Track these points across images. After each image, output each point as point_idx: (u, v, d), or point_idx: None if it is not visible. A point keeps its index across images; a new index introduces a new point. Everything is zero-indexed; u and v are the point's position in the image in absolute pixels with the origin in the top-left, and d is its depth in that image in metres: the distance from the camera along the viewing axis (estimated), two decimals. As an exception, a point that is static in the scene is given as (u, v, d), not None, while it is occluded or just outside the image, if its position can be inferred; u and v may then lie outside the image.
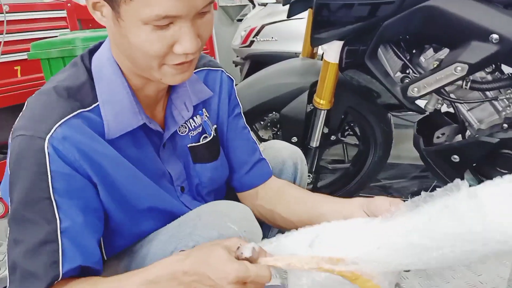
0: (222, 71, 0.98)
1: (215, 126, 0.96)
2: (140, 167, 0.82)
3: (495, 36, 1.13)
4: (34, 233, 0.70)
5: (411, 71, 1.34)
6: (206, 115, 0.94)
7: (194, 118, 0.92)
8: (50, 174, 0.71)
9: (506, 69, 1.28)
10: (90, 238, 0.74)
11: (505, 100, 1.26)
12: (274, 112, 1.86)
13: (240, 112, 1.02)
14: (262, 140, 1.95)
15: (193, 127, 0.91)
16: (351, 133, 1.90)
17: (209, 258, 0.67)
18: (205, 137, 0.93)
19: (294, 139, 1.63)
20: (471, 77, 1.24)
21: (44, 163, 0.71)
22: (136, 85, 0.81)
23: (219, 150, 0.96)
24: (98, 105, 0.78)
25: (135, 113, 0.80)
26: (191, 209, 0.87)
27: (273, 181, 1.03)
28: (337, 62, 1.41)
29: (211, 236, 0.76)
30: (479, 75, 1.27)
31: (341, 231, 0.70)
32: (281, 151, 1.12)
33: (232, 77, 1.01)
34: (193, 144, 0.91)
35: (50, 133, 0.72)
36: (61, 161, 0.72)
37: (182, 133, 0.90)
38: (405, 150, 2.28)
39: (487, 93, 1.27)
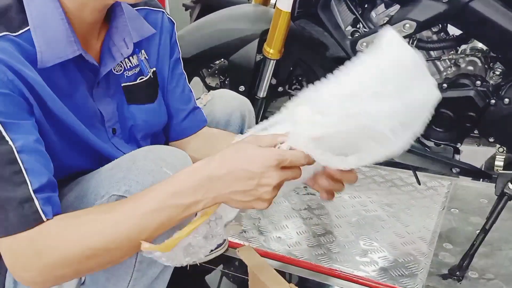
0: (163, 12, 0.94)
1: (153, 69, 0.93)
2: (70, 104, 0.78)
3: (444, -5, 1.15)
4: None
5: (361, 26, 1.35)
6: (145, 56, 0.91)
7: (130, 58, 0.88)
8: None
9: (451, 30, 1.31)
10: (46, 156, 0.71)
11: (447, 60, 1.31)
12: (222, 59, 1.83)
13: (179, 57, 0.99)
14: (209, 87, 1.92)
15: (128, 67, 0.88)
16: (298, 87, 1.90)
17: (238, 152, 0.66)
18: (141, 78, 0.90)
19: (242, 88, 1.61)
20: (417, 36, 1.27)
21: None
22: (70, 9, 0.75)
23: (156, 93, 0.93)
24: (28, 30, 0.72)
25: (70, 42, 0.75)
26: (124, 153, 0.85)
27: (206, 130, 1.02)
28: (290, 10, 1.39)
29: (145, 181, 0.74)
30: (425, 34, 1.29)
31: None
32: (230, 102, 1.11)
33: (173, 20, 0.97)
34: (128, 84, 0.88)
35: None
36: None
37: (117, 72, 0.86)
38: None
39: (431, 52, 1.30)
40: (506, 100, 1.22)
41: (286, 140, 0.68)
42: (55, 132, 0.78)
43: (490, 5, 1.15)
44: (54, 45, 0.73)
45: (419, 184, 1.57)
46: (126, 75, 0.88)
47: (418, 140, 1.38)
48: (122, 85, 0.88)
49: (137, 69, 0.90)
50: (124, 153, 0.85)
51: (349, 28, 1.40)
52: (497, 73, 1.25)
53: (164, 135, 1.03)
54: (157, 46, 0.93)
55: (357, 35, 1.33)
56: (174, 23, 0.98)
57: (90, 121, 0.83)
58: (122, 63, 0.87)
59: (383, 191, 1.72)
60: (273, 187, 0.66)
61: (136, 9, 0.89)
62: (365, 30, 1.32)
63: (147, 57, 0.92)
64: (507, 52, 1.20)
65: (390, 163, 1.82)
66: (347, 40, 1.32)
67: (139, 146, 0.91)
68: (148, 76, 0.91)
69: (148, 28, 0.89)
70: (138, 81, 0.90)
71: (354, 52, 1.31)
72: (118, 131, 0.89)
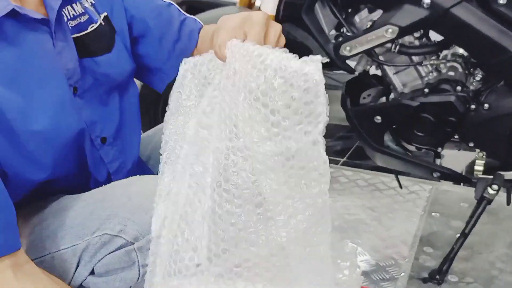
0: None
1: (104, 14, 0.84)
2: (18, 70, 0.70)
3: (426, 1, 1.16)
4: None
5: (345, 30, 1.36)
6: (91, 1, 0.83)
7: (74, 5, 0.80)
8: None
9: (433, 36, 1.33)
10: None
11: (428, 66, 1.32)
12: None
13: None
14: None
15: (72, 15, 0.79)
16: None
17: None
18: (92, 27, 0.82)
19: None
20: (400, 41, 1.28)
21: None
22: None
23: (112, 41, 0.84)
24: None
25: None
26: (83, 119, 0.78)
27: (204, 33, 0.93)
28: (274, 14, 1.39)
29: (141, 220, 0.70)
30: (407, 39, 1.30)
31: None
32: None
33: None
34: (76, 35, 0.79)
35: None
36: None
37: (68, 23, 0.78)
38: (333, 110, 2.32)
39: (413, 58, 1.31)
40: (486, 105, 1.23)
41: None
42: None
43: (471, 12, 1.16)
44: None
45: (401, 188, 1.58)
46: (72, 26, 0.79)
47: (400, 144, 1.40)
48: (72, 36, 0.78)
49: (84, 17, 0.81)
50: (87, 122, 0.77)
51: (333, 32, 1.41)
52: (477, 78, 1.27)
53: (166, 70, 0.93)
54: None
55: (340, 39, 1.33)
56: None
57: (49, 84, 0.74)
58: (65, 12, 0.78)
59: (366, 195, 1.73)
60: None
61: None
62: (348, 34, 1.33)
63: (93, 2, 0.83)
64: (487, 58, 1.22)
65: (373, 167, 1.83)
66: (330, 44, 1.33)
67: (104, 104, 0.83)
68: (99, 24, 0.82)
69: None
70: (89, 30, 0.81)
71: (337, 56, 1.32)
72: (80, 90, 0.79)
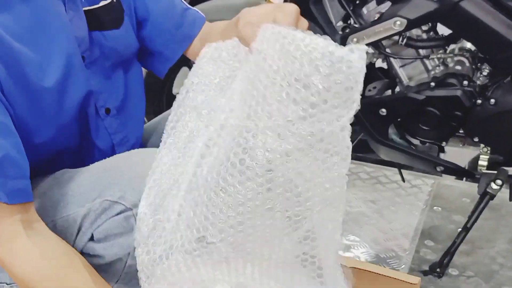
0: None
1: None
2: (32, 25, 0.72)
3: (435, -6, 1.16)
4: None
5: (352, 22, 1.35)
6: None
7: None
8: None
9: (440, 30, 1.32)
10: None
11: (435, 59, 1.31)
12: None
13: None
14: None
15: None
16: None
17: None
18: (104, 2, 0.84)
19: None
20: (407, 34, 1.27)
21: None
22: None
23: (121, 18, 0.87)
24: None
25: None
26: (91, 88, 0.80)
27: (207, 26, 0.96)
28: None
29: (141, 187, 0.72)
30: (415, 32, 1.30)
31: None
32: None
33: None
34: (89, 8, 0.82)
35: None
36: None
37: None
38: (336, 103, 2.34)
39: (420, 51, 1.31)
40: (492, 100, 1.23)
41: None
42: (18, 88, 0.71)
43: (480, 6, 1.16)
44: None
45: (404, 182, 1.59)
46: None
47: (404, 138, 1.40)
48: (84, 9, 0.81)
49: None
50: (93, 89, 0.80)
51: (340, 24, 1.40)
52: (484, 73, 1.27)
53: (167, 54, 0.95)
54: None
55: (347, 31, 1.33)
56: None
57: (65, 52, 0.76)
58: None
59: (368, 188, 1.74)
60: None
61: None
62: (356, 26, 1.33)
63: None
64: (495, 53, 1.22)
65: (375, 160, 1.83)
66: (337, 36, 1.32)
67: (109, 77, 0.86)
68: (110, 0, 0.85)
69: None
70: (100, 4, 0.83)
71: (344, 47, 1.31)
72: (87, 60, 0.81)
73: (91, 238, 0.76)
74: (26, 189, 0.69)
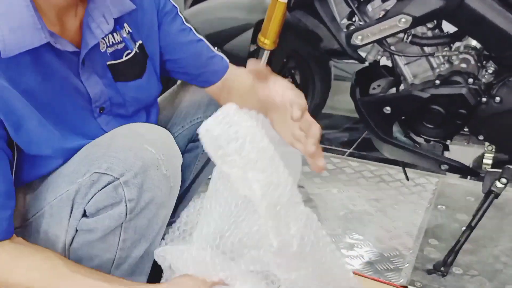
0: None
1: (139, 42, 0.91)
2: (46, 91, 0.77)
3: (441, -10, 1.15)
4: None
5: (357, 19, 1.34)
6: (128, 31, 0.89)
7: (114, 34, 0.86)
8: None
9: (445, 27, 1.31)
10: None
11: (440, 57, 1.31)
12: (216, 48, 1.81)
13: (175, 13, 0.96)
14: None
15: (111, 43, 0.86)
16: (290, 80, 1.90)
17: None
18: (127, 54, 0.89)
19: (234, 77, 1.60)
20: (412, 31, 1.27)
21: None
22: None
23: (144, 67, 0.92)
24: None
25: (37, 30, 0.72)
26: (106, 131, 0.84)
27: (229, 73, 1.01)
28: (286, 1, 1.38)
29: (126, 157, 0.74)
30: (420, 30, 1.29)
31: None
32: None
33: None
34: (113, 62, 0.87)
35: None
36: None
37: (101, 49, 0.85)
38: (341, 102, 2.34)
39: (425, 48, 1.30)
40: (497, 99, 1.22)
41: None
42: (36, 117, 0.77)
43: (486, 3, 1.15)
44: (19, 33, 0.71)
45: (408, 180, 1.58)
46: (109, 52, 0.87)
47: (408, 136, 1.39)
48: (107, 63, 0.87)
49: (121, 45, 0.88)
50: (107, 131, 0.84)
51: (345, 21, 1.39)
52: (490, 71, 1.26)
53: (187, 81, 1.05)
54: (141, 17, 0.91)
55: (352, 28, 1.32)
56: None
57: (75, 103, 0.82)
58: (104, 40, 0.85)
59: (372, 186, 1.73)
60: None
61: None
62: (361, 23, 1.32)
63: (130, 31, 0.90)
64: (500, 51, 1.21)
65: (379, 158, 1.83)
66: (342, 33, 1.32)
67: (133, 121, 0.90)
68: (134, 52, 0.90)
69: (128, 3, 0.86)
70: (124, 58, 0.88)
71: (349, 45, 1.31)
72: (107, 109, 0.88)
73: (84, 214, 0.78)
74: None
